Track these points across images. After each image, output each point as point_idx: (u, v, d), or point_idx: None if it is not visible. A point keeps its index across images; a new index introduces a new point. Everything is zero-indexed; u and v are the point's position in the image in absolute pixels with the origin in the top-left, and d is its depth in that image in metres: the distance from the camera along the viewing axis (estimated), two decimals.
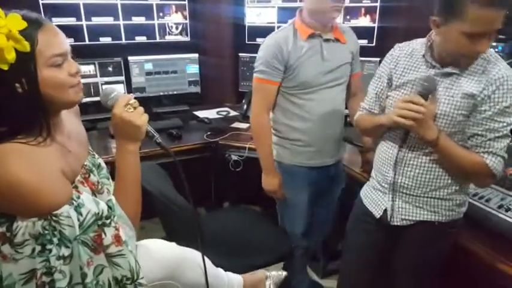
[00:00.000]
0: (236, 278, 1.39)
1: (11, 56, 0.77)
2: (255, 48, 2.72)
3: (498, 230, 1.28)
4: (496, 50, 1.66)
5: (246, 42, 2.74)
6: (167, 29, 2.64)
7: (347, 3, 2.43)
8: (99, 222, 0.87)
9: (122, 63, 2.48)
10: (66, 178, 0.88)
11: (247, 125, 2.41)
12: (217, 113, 2.68)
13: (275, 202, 1.85)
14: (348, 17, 2.47)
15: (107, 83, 2.45)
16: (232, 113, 2.68)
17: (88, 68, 2.38)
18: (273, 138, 1.74)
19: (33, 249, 0.81)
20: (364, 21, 2.44)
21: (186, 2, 2.63)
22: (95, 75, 2.41)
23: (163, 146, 1.04)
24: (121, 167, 0.98)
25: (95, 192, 0.98)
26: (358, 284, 1.50)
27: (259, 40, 2.71)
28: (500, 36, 1.68)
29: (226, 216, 2.01)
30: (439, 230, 1.27)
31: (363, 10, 2.43)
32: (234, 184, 2.47)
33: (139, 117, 0.96)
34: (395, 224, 1.30)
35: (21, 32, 0.78)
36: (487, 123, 1.13)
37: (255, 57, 2.68)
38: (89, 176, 0.98)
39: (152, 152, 1.96)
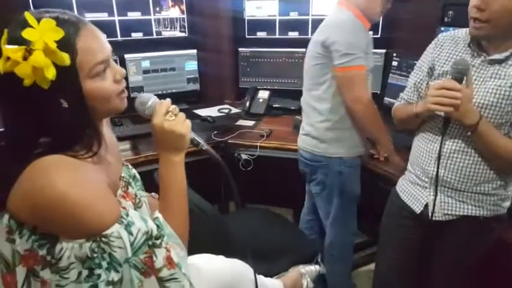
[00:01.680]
0: (277, 283, 1.34)
1: (52, 74, 0.66)
2: (256, 42, 2.68)
3: None
4: None
5: (246, 36, 2.65)
6: (164, 25, 2.52)
7: None
8: (150, 243, 0.77)
9: (118, 61, 2.36)
10: (112, 191, 0.79)
11: (253, 122, 2.35)
12: (219, 110, 2.59)
13: (286, 201, 1.82)
14: None
15: None
16: (234, 110, 2.59)
17: None
18: (328, 134, 1.69)
19: (80, 273, 0.71)
20: None
21: None
22: None
23: (211, 152, 0.95)
24: (166, 181, 0.89)
25: (135, 206, 0.89)
26: (397, 282, 1.45)
27: (259, 34, 2.64)
28: None
29: (244, 218, 1.94)
30: (483, 225, 1.23)
31: None
32: (244, 184, 2.40)
33: (182, 125, 0.87)
34: (438, 219, 1.26)
35: (58, 42, 0.67)
36: None
37: (255, 51, 2.67)
38: (127, 188, 0.89)
39: (152, 156, 1.87)
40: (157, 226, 0.81)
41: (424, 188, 1.28)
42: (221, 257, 1.16)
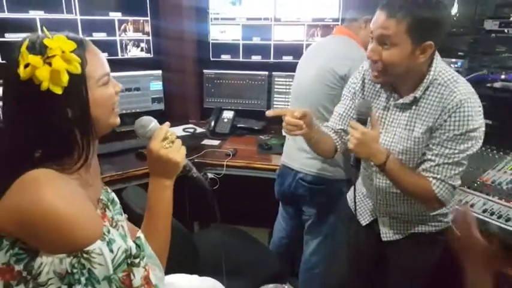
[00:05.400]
0: None
1: (66, 79, 0.73)
2: (220, 65, 2.77)
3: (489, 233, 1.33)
4: (456, 65, 1.83)
5: (211, 58, 2.74)
6: (129, 46, 2.55)
7: (309, 21, 2.56)
8: (128, 261, 0.79)
9: None
10: None
11: (218, 141, 2.41)
12: (184, 130, 2.63)
13: (257, 220, 1.85)
14: (310, 35, 2.59)
15: None
16: (199, 129, 2.65)
17: None
18: (341, 156, 1.67)
19: None
20: None
21: (149, 18, 2.57)
22: None
23: (201, 180, 0.99)
24: (154, 203, 0.92)
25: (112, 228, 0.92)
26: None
27: (223, 57, 2.74)
28: (460, 53, 1.87)
29: (214, 237, 1.97)
30: (430, 238, 1.34)
31: (325, 28, 2.56)
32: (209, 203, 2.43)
33: (178, 153, 0.91)
34: (387, 239, 1.36)
35: (71, 52, 0.75)
36: (436, 149, 1.12)
37: (220, 73, 2.76)
38: (105, 211, 0.91)
39: (137, 172, 1.89)
40: (138, 246, 0.83)
41: (370, 207, 1.40)
42: (196, 276, 1.19)
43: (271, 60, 2.67)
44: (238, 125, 2.63)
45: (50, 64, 0.72)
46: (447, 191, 1.14)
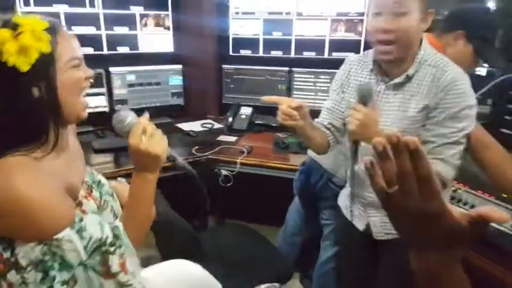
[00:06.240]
0: None
1: (34, 57, 0.73)
2: (239, 60, 2.74)
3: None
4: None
5: (230, 53, 2.72)
6: (149, 40, 2.57)
7: (333, 16, 2.48)
8: (103, 249, 0.80)
9: (104, 74, 2.39)
10: (70, 194, 0.83)
11: (235, 138, 2.39)
12: (202, 125, 2.63)
13: (270, 219, 1.83)
14: (334, 30, 2.52)
15: (88, 95, 2.32)
16: (217, 125, 2.64)
17: None
18: None
19: (36, 276, 0.75)
20: (351, 34, 2.50)
21: (170, 13, 2.57)
22: None
23: (187, 167, 0.98)
24: (136, 195, 0.92)
25: (99, 208, 0.93)
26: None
27: (243, 52, 2.71)
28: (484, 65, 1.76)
29: (221, 234, 1.97)
30: None
31: (349, 23, 2.48)
32: (223, 200, 2.44)
33: (158, 146, 0.89)
34: (381, 238, 1.31)
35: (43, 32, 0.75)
36: (435, 129, 1.13)
37: (239, 68, 2.73)
38: (91, 191, 0.93)
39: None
40: (116, 235, 0.84)
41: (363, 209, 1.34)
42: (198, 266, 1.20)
43: (292, 55, 2.61)
44: (256, 122, 2.60)
45: (18, 40, 0.73)
46: (451, 171, 1.15)
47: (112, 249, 0.82)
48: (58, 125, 0.82)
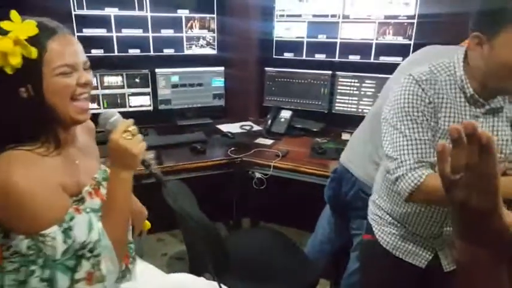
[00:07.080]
0: None
1: (16, 61, 0.77)
2: (282, 62, 2.72)
3: None
4: None
5: (273, 56, 2.70)
6: (194, 42, 2.63)
7: (381, 19, 2.38)
8: (80, 253, 0.84)
9: (149, 75, 2.49)
10: (69, 190, 0.87)
11: (272, 141, 2.37)
12: (241, 127, 2.64)
13: (296, 222, 1.77)
14: (381, 33, 2.41)
15: (133, 94, 2.45)
16: (256, 127, 2.63)
17: (115, 79, 2.40)
18: None
19: (17, 267, 0.81)
20: (399, 38, 2.37)
21: (215, 16, 2.62)
22: (122, 87, 2.42)
23: (159, 177, 0.99)
24: (112, 194, 0.94)
25: None
26: None
27: (286, 55, 2.68)
28: None
29: (251, 237, 1.95)
30: None
31: (397, 26, 2.36)
32: (256, 202, 2.42)
33: (137, 145, 0.92)
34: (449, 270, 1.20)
35: (30, 38, 0.78)
36: None
37: (281, 71, 2.71)
38: (99, 188, 0.97)
39: (188, 165, 2.00)
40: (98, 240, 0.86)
41: (425, 244, 1.22)
42: (202, 279, 1.20)
43: (336, 59, 2.54)
44: (296, 125, 2.56)
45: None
46: None
47: (88, 255, 0.85)
48: (54, 126, 0.87)
